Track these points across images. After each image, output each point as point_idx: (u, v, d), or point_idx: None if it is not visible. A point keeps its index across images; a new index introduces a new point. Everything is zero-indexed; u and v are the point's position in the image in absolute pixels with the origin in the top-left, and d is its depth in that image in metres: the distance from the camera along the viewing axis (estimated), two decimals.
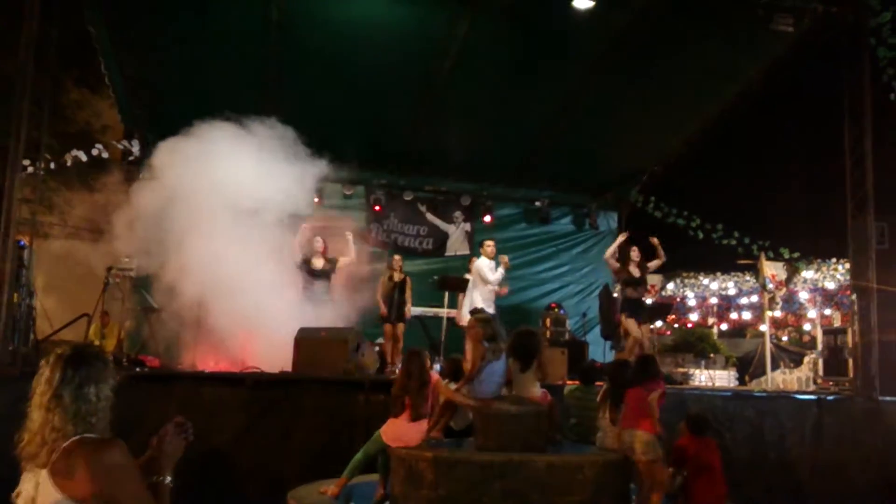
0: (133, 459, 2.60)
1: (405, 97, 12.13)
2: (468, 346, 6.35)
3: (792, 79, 12.03)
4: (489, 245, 10.96)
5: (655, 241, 10.73)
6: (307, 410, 7.62)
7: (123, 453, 2.54)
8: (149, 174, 9.44)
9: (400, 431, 5.91)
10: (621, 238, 11.63)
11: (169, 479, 2.77)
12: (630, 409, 5.78)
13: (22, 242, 8.29)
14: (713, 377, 12.38)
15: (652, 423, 5.71)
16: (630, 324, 10.46)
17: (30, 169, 8.47)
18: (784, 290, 14.96)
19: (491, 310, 10.40)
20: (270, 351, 8.79)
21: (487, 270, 10.70)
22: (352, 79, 10.99)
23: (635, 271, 10.65)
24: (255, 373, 7.95)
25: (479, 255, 11.13)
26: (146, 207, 8.83)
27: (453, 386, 6.70)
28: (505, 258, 10.66)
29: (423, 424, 6.04)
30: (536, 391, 6.33)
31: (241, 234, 9.21)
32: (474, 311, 9.86)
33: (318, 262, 10.35)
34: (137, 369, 8.29)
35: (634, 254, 10.78)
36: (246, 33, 10.51)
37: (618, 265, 10.93)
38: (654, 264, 10.76)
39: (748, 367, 13.32)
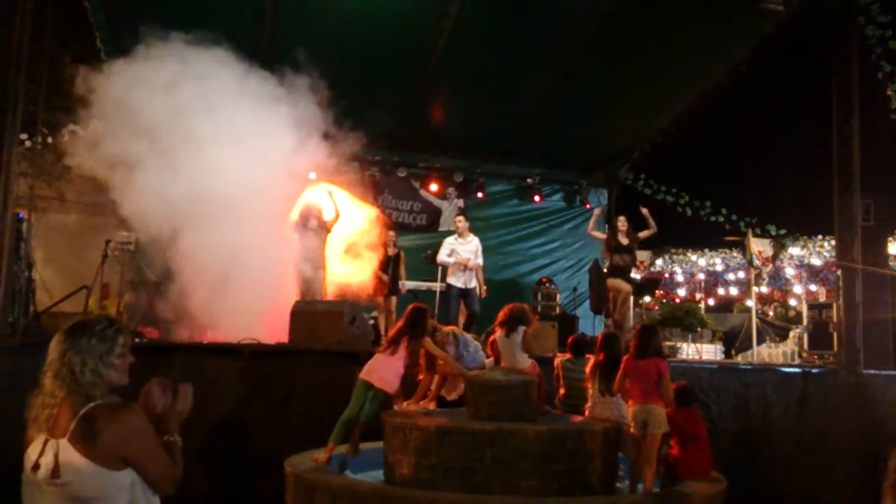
0: (148, 422, 2.69)
1: (399, 75, 12.18)
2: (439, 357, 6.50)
3: (780, 57, 12.11)
4: (457, 221, 11.19)
5: (645, 210, 10.81)
6: (303, 381, 7.76)
7: (140, 416, 2.64)
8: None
9: (375, 365, 6.08)
10: (597, 211, 12.09)
11: (178, 438, 2.85)
12: (640, 383, 5.85)
13: (21, 216, 8.36)
14: (700, 351, 12.59)
15: (663, 398, 5.86)
16: (618, 282, 10.56)
17: (27, 143, 8.53)
18: (770, 266, 15.18)
19: (461, 283, 10.58)
20: (267, 321, 8.93)
21: (442, 249, 10.91)
22: (345, 56, 11.03)
23: (623, 239, 10.74)
24: (252, 344, 8.08)
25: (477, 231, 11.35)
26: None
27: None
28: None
29: (397, 361, 6.18)
30: (525, 362, 6.52)
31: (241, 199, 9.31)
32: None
33: (314, 224, 10.36)
34: (137, 340, 8.42)
35: (621, 223, 10.88)
36: (240, 15, 10.52)
37: (604, 235, 11.12)
38: (645, 234, 10.83)
39: (735, 341, 13.52)
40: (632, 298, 10.61)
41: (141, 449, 2.61)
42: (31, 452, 2.55)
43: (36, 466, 2.52)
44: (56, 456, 2.49)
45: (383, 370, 6.09)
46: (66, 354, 2.59)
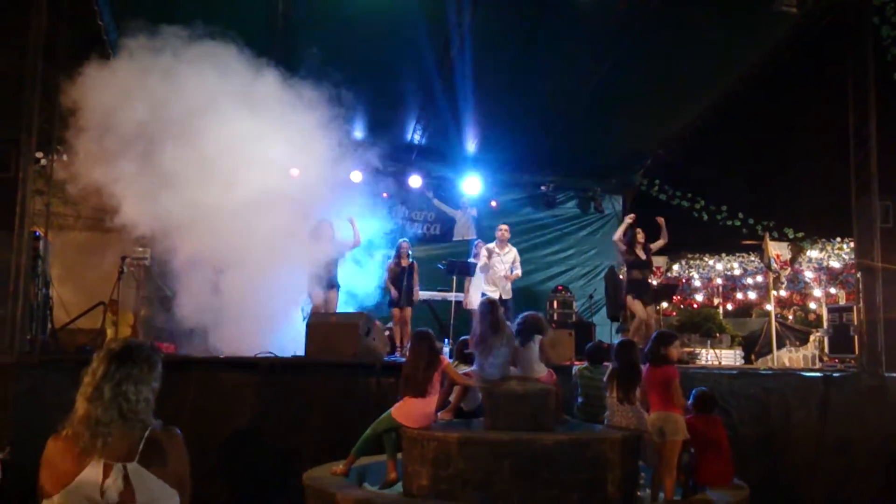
0: None
1: (411, 83, 12.21)
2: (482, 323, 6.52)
3: (794, 60, 12.02)
4: (500, 229, 11.19)
5: (661, 220, 10.80)
6: (320, 393, 7.76)
7: (182, 439, 2.76)
8: None
9: (410, 410, 6.02)
10: (629, 220, 11.48)
11: None
12: (658, 391, 5.86)
13: (37, 233, 8.41)
14: (719, 356, 12.47)
15: (679, 405, 5.83)
16: (636, 305, 10.52)
17: (42, 161, 8.58)
18: (789, 269, 15.01)
19: (496, 294, 10.52)
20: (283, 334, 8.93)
21: (482, 256, 10.98)
22: (356, 66, 11.06)
23: (641, 254, 10.72)
24: (268, 357, 8.09)
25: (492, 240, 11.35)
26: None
27: (463, 368, 6.88)
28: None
29: (432, 402, 6.16)
30: (542, 371, 6.49)
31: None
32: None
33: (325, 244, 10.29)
34: None
35: (640, 236, 10.85)
36: (254, 22, 10.56)
37: (625, 247, 10.98)
38: (657, 245, 10.81)
39: (754, 346, 13.39)
40: (645, 325, 10.47)
41: (187, 471, 2.72)
42: (90, 477, 2.52)
43: (103, 492, 2.51)
44: (126, 478, 2.52)
45: (418, 415, 6.04)
46: (120, 383, 2.59)
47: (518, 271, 11.09)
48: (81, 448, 2.53)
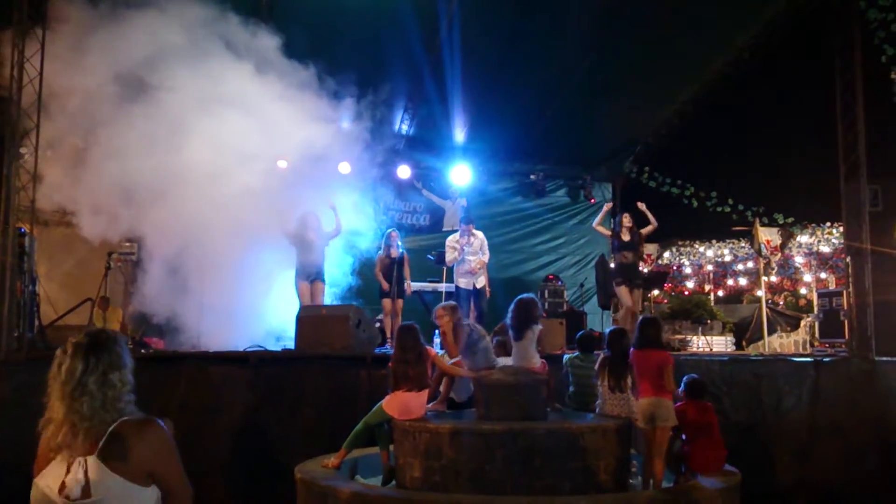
0: (171, 437, 2.62)
1: (399, 72, 12.14)
2: (443, 334, 6.53)
3: (782, 44, 12.01)
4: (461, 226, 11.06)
5: (642, 205, 10.73)
6: (311, 386, 7.72)
7: (165, 431, 2.59)
8: None
9: (401, 403, 5.99)
10: (606, 207, 12.03)
11: None
12: (644, 376, 5.83)
13: (22, 230, 8.32)
14: (710, 343, 12.52)
15: (671, 390, 5.82)
16: (622, 292, 10.45)
17: (27, 157, 8.49)
18: (779, 255, 15.08)
19: (471, 285, 10.60)
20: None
21: (448, 249, 10.89)
22: (343, 53, 10.98)
23: (626, 236, 10.66)
24: (258, 351, 8.04)
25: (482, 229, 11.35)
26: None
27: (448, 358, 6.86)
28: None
29: (424, 395, 6.14)
30: (535, 361, 6.45)
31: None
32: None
33: (312, 236, 10.17)
34: (143, 351, 8.39)
35: (626, 220, 10.80)
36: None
37: (609, 232, 11.02)
38: (647, 230, 10.75)
39: (745, 332, 13.45)
40: (638, 308, 10.44)
41: (167, 464, 2.57)
42: (54, 473, 2.48)
43: (61, 487, 2.44)
44: (86, 473, 2.43)
45: (410, 408, 6.01)
46: (105, 373, 2.52)
47: (485, 257, 10.91)
48: (56, 445, 2.49)
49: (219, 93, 9.34)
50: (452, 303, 7.37)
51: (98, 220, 9.03)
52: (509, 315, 6.52)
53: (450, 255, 10.84)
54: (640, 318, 6.43)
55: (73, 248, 10.14)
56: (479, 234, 10.99)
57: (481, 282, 10.76)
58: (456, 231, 11.19)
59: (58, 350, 2.62)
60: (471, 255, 10.72)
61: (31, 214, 8.33)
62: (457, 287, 10.78)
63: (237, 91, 9.43)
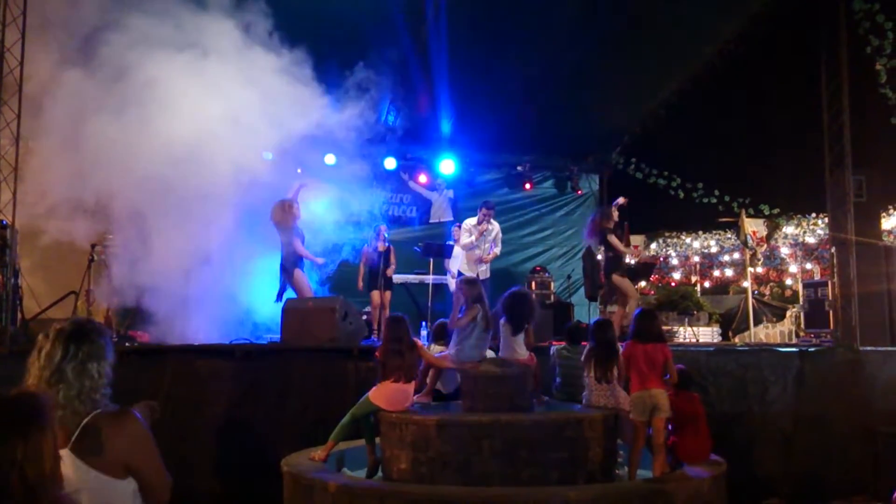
0: (148, 429, 2.61)
1: (384, 63, 12.06)
2: (457, 303, 6.47)
3: (769, 35, 12.03)
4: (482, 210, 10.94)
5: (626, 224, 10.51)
6: (297, 379, 7.68)
7: (142, 423, 2.57)
8: None
9: (388, 393, 5.96)
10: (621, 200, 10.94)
11: None
12: (645, 368, 5.82)
13: (4, 222, 8.25)
14: (697, 334, 12.55)
15: (669, 381, 5.83)
16: (625, 283, 10.21)
17: (9, 149, 8.41)
18: (765, 246, 15.10)
19: (475, 274, 10.43)
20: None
21: (464, 232, 10.79)
22: (327, 46, 10.90)
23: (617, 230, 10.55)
24: (244, 344, 8.00)
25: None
26: None
27: (440, 348, 6.84)
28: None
29: (411, 387, 6.11)
30: (524, 353, 6.46)
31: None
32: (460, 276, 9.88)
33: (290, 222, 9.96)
34: (128, 344, 8.34)
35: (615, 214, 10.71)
36: None
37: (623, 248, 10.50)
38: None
39: (731, 322, 13.48)
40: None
41: (144, 456, 2.55)
42: None
43: None
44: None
45: (396, 399, 5.98)
46: (84, 362, 2.50)
47: (497, 249, 10.95)
48: None
49: (199, 80, 9.24)
50: (474, 278, 7.31)
51: (77, 213, 8.98)
52: (503, 307, 6.49)
53: (465, 239, 10.75)
54: (639, 311, 6.39)
55: (56, 240, 10.04)
56: (496, 224, 10.93)
57: (485, 273, 10.74)
58: (444, 222, 11.13)
59: (40, 335, 2.61)
60: (484, 244, 10.67)
61: (13, 207, 8.25)
62: (459, 272, 10.63)
63: (218, 78, 9.33)
